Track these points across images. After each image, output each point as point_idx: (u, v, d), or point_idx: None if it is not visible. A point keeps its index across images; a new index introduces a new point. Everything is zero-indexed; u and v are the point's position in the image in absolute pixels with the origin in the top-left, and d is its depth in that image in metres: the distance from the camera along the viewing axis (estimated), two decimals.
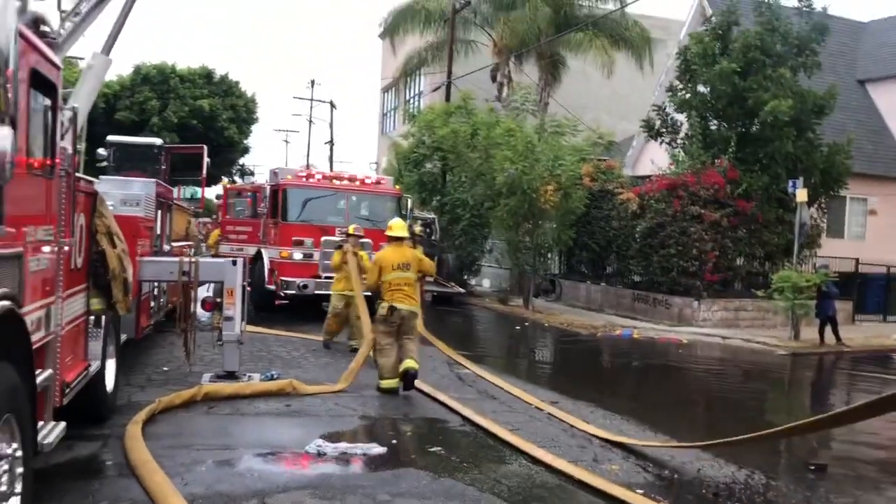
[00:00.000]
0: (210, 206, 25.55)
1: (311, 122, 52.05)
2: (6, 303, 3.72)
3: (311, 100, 50.95)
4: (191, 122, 37.26)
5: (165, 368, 9.46)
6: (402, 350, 8.78)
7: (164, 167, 16.61)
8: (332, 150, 49.65)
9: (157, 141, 17.91)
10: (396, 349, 8.78)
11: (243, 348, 9.03)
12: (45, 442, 4.31)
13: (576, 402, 8.93)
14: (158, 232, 10.22)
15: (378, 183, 17.01)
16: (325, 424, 7.29)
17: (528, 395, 9.01)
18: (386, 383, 8.75)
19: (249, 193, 18.29)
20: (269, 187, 16.37)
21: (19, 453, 3.83)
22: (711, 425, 9.17)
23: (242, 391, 8.15)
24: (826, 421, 5.98)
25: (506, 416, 8.00)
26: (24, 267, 4.25)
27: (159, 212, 10.17)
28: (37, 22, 4.52)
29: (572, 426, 7.63)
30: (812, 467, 6.96)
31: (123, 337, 7.77)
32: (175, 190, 14.47)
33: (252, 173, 43.92)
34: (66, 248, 5.30)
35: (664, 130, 19.58)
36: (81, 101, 6.77)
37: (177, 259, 8.95)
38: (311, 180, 16.10)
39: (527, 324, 17.62)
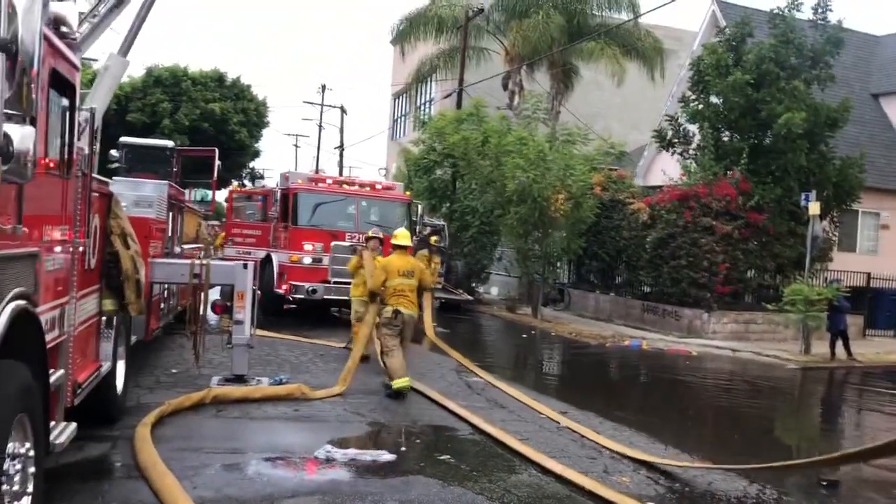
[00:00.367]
0: (220, 209, 25.60)
1: (321, 126, 52.13)
2: (21, 302, 3.72)
3: (322, 104, 51.06)
4: (202, 124, 37.38)
5: (174, 370, 9.46)
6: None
7: (175, 169, 16.68)
8: (341, 155, 49.74)
9: (169, 143, 18.00)
10: (400, 350, 9.06)
11: (252, 352, 9.03)
12: (57, 442, 4.31)
13: (584, 413, 8.87)
14: (170, 234, 10.23)
15: (388, 189, 17.01)
16: (333, 430, 7.28)
17: (540, 405, 8.94)
18: (398, 383, 8.87)
19: (260, 197, 18.32)
20: (279, 191, 16.39)
21: (32, 453, 3.82)
22: (722, 439, 9.09)
23: (251, 395, 8.15)
24: (876, 451, 5.53)
25: (515, 425, 7.95)
26: (40, 267, 4.25)
27: (171, 214, 10.19)
28: (57, 22, 4.52)
29: (604, 447, 7.32)
30: (824, 483, 6.88)
31: (134, 338, 7.78)
32: (186, 192, 14.51)
33: (262, 177, 44.02)
34: (81, 248, 5.30)
35: (676, 141, 19.52)
36: (98, 101, 6.81)
37: (188, 261, 8.97)
38: (322, 185, 16.11)
39: (535, 333, 17.56)
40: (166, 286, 9.77)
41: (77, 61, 5.02)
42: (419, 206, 18.80)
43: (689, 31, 28.83)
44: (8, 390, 3.46)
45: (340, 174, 38.95)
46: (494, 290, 25.64)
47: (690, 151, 19.30)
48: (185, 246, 11.79)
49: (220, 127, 38.17)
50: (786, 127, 16.59)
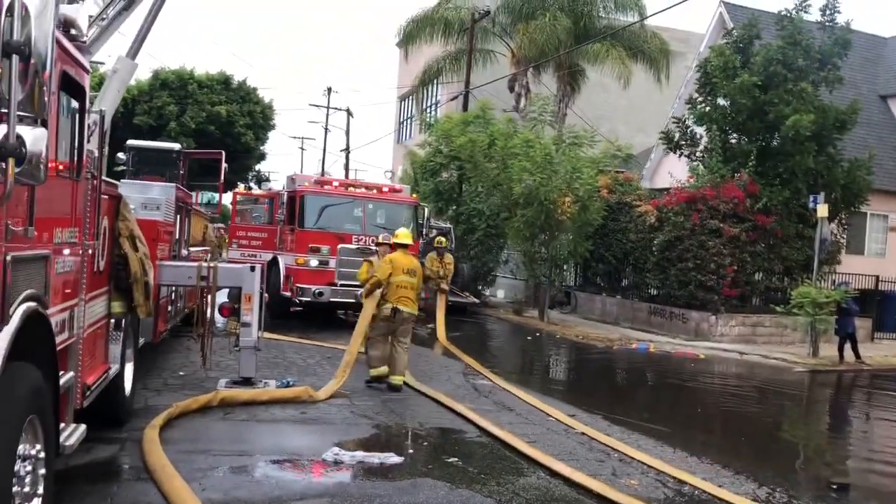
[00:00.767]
0: (226, 212, 25.66)
1: (326, 129, 52.20)
2: (33, 304, 3.73)
3: (328, 107, 51.13)
4: (208, 127, 37.47)
5: (182, 373, 9.47)
6: (395, 361, 9.49)
7: (182, 172, 16.75)
8: (347, 157, 49.76)
9: (176, 146, 18.09)
10: (386, 344, 9.60)
11: (259, 354, 9.04)
12: (67, 444, 4.31)
13: (592, 416, 8.86)
14: (177, 237, 10.25)
15: (395, 191, 17.01)
16: (341, 432, 7.28)
17: (550, 408, 8.92)
18: (374, 371, 9.61)
19: (266, 200, 18.34)
20: (286, 194, 16.40)
21: (42, 454, 3.82)
22: (730, 442, 9.05)
23: (259, 397, 8.15)
24: None
25: (523, 427, 7.94)
26: (50, 269, 4.26)
27: (178, 216, 10.20)
28: (66, 25, 4.53)
29: (614, 449, 7.38)
30: (834, 486, 6.85)
31: (141, 341, 7.79)
32: (193, 195, 14.56)
33: (268, 179, 44.08)
34: (90, 250, 5.31)
35: (683, 143, 19.47)
36: (107, 104, 6.81)
37: (196, 264, 8.98)
38: (328, 187, 16.10)
39: (542, 335, 17.53)
40: (173, 288, 9.78)
41: (87, 64, 5.02)
42: (426, 209, 18.79)
43: (696, 32, 28.81)
44: (19, 392, 3.47)
45: (346, 177, 38.98)
46: (501, 293, 25.61)
47: (698, 153, 19.26)
48: (193, 248, 11.82)
49: (227, 130, 38.26)
50: (793, 129, 16.54)
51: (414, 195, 18.02)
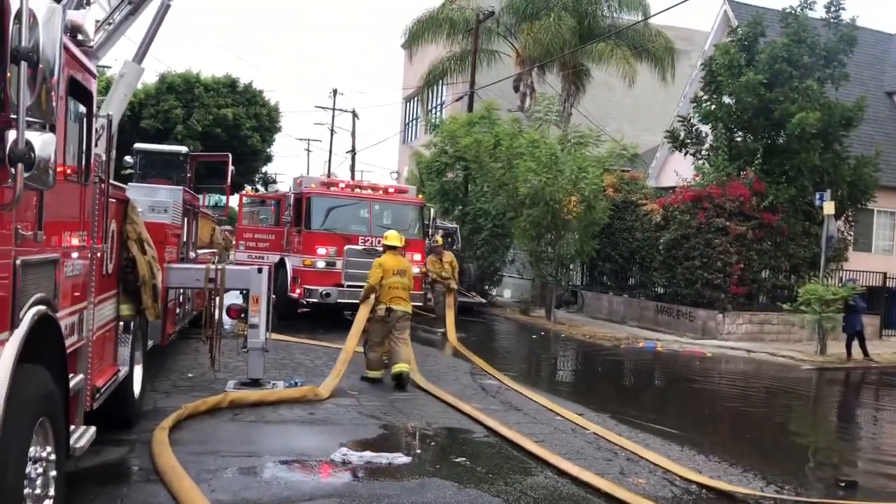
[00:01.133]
0: (233, 215, 25.76)
1: (332, 131, 52.26)
2: (42, 307, 3.77)
3: (334, 109, 51.18)
4: (215, 130, 37.56)
5: (190, 375, 9.51)
6: (394, 354, 9.75)
7: (189, 175, 16.78)
8: (353, 159, 49.85)
9: (183, 149, 18.12)
10: (383, 346, 9.92)
11: (267, 356, 9.08)
12: (77, 445, 4.35)
13: (600, 415, 8.86)
14: (185, 239, 10.29)
15: (401, 192, 17.04)
16: (348, 433, 7.30)
17: (558, 406, 8.93)
18: (372, 373, 9.87)
19: (273, 201, 18.40)
20: (292, 195, 16.45)
21: (53, 457, 3.85)
22: (738, 441, 9.04)
23: (267, 398, 8.20)
24: None
25: (530, 427, 7.94)
26: (60, 272, 4.30)
27: (186, 219, 10.25)
28: (73, 30, 4.56)
29: (623, 448, 7.39)
30: (842, 483, 6.83)
31: (150, 343, 7.83)
32: (200, 197, 14.60)
33: (275, 181, 44.17)
34: (99, 254, 5.35)
35: (689, 141, 19.45)
36: (114, 108, 6.86)
37: (203, 266, 9.02)
38: (334, 189, 16.15)
39: (549, 335, 17.54)
40: (181, 291, 9.83)
41: (94, 69, 5.07)
42: (431, 210, 18.81)
43: (701, 31, 28.73)
44: (30, 394, 3.50)
45: (352, 178, 39.04)
46: (507, 293, 25.62)
47: (703, 152, 19.23)
48: (200, 251, 11.86)
49: (233, 132, 38.34)
50: (799, 126, 16.51)
51: (420, 196, 18.03)
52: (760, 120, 17.72)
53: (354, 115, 50.24)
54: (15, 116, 3.09)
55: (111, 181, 5.86)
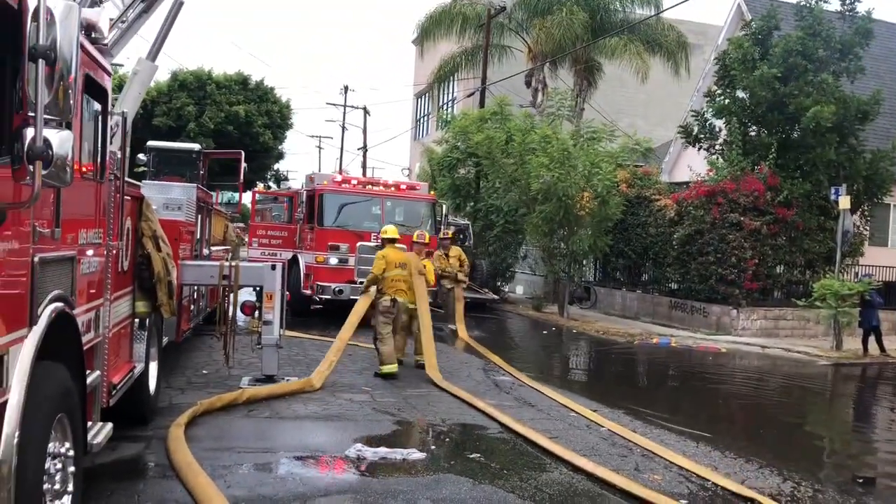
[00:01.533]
0: (246, 211, 25.85)
1: (343, 127, 52.35)
2: (60, 304, 3.79)
3: (345, 106, 51.23)
4: (227, 127, 37.74)
5: (205, 371, 9.56)
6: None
7: (202, 172, 16.83)
8: (364, 155, 49.90)
9: (196, 146, 18.16)
10: (393, 339, 9.99)
11: (281, 352, 9.11)
12: (95, 442, 4.38)
13: (615, 411, 8.82)
14: (199, 236, 10.34)
15: (413, 188, 17.04)
16: (362, 428, 7.31)
17: (573, 402, 8.91)
18: (386, 368, 9.74)
19: (286, 198, 18.44)
20: (305, 192, 16.48)
21: (71, 452, 3.88)
22: (754, 437, 8.98)
23: (275, 392, 8.35)
24: None
25: (544, 423, 7.93)
26: (76, 269, 4.32)
27: (199, 216, 10.29)
28: (88, 28, 4.58)
29: (638, 445, 7.40)
30: (860, 480, 6.78)
31: (165, 340, 7.88)
32: (213, 194, 14.65)
33: (287, 178, 44.34)
34: (114, 251, 5.38)
35: (703, 136, 19.33)
36: (128, 106, 6.89)
37: (218, 263, 9.06)
38: (347, 186, 16.18)
39: (562, 331, 17.50)
40: (195, 288, 9.87)
41: (109, 66, 5.09)
42: (443, 206, 18.81)
43: (714, 25, 28.57)
44: (48, 391, 3.52)
45: (364, 175, 39.10)
46: (520, 289, 25.58)
47: (717, 147, 19.10)
48: (214, 248, 11.91)
49: (245, 129, 38.52)
50: (814, 120, 16.36)
51: (432, 192, 18.02)
52: (775, 114, 17.58)
53: (366, 111, 50.29)
54: (33, 114, 3.10)
55: (126, 178, 5.89)
